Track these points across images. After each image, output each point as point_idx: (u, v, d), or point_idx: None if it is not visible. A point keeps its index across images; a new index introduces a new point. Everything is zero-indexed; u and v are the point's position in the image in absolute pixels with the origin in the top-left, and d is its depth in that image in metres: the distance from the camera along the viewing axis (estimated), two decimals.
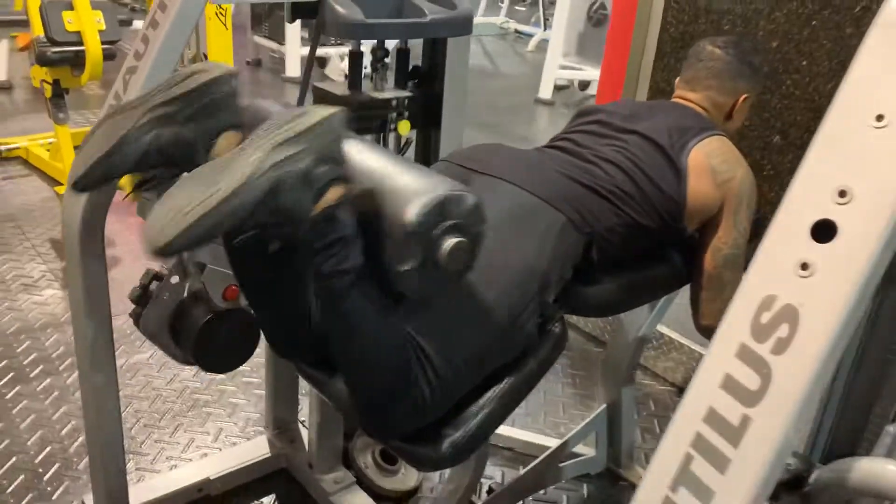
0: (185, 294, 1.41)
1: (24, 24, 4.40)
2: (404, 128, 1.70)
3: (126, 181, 1.17)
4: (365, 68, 1.71)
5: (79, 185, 1.11)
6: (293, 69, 5.62)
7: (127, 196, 1.21)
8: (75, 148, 3.53)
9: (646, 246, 1.46)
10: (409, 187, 1.02)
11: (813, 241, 0.73)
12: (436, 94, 1.75)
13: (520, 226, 1.28)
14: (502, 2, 8.68)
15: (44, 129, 4.07)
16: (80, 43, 3.04)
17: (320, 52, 5.81)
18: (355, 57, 1.67)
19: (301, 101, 1.78)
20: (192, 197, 0.92)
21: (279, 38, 5.62)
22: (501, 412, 1.27)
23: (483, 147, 1.48)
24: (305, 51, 5.68)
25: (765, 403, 0.72)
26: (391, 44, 1.68)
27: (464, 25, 1.65)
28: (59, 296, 2.63)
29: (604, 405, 1.93)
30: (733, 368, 0.74)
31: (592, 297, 1.41)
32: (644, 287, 1.49)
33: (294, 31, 5.47)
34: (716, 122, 1.58)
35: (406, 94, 1.70)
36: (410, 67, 1.76)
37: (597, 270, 1.38)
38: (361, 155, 1.09)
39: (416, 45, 1.77)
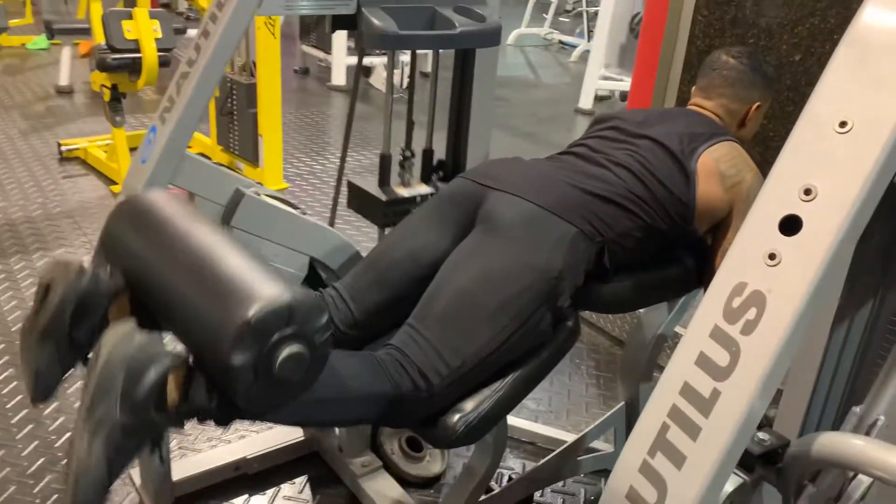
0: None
1: (87, 32, 4.67)
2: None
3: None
4: None
5: (36, 402, 1.13)
6: (339, 78, 5.79)
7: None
8: (131, 150, 3.74)
9: (659, 248, 1.53)
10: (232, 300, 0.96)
11: (780, 233, 0.81)
12: (463, 97, 1.86)
13: (532, 238, 1.36)
14: (546, 13, 8.75)
15: (100, 131, 4.29)
16: (138, 50, 3.22)
17: (366, 61, 5.98)
18: (385, 159, 1.84)
19: (351, 110, 1.91)
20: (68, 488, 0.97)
21: (326, 47, 5.79)
22: (514, 397, 1.36)
23: (499, 162, 1.56)
24: (350, 60, 5.85)
25: (733, 378, 0.80)
26: (417, 146, 1.82)
27: (492, 37, 1.75)
28: None
29: (622, 402, 2.00)
30: (706, 347, 0.82)
31: (605, 294, 1.48)
32: (655, 287, 1.57)
33: (340, 41, 5.64)
34: (729, 129, 1.65)
35: (429, 190, 1.83)
36: (435, 162, 1.89)
37: (610, 273, 1.46)
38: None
39: (440, 142, 1.89)
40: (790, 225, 0.81)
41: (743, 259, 0.83)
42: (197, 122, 1.59)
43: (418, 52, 1.79)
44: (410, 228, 1.52)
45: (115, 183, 3.68)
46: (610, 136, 1.60)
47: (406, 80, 5.85)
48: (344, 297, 1.45)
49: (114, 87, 3.41)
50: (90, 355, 1.02)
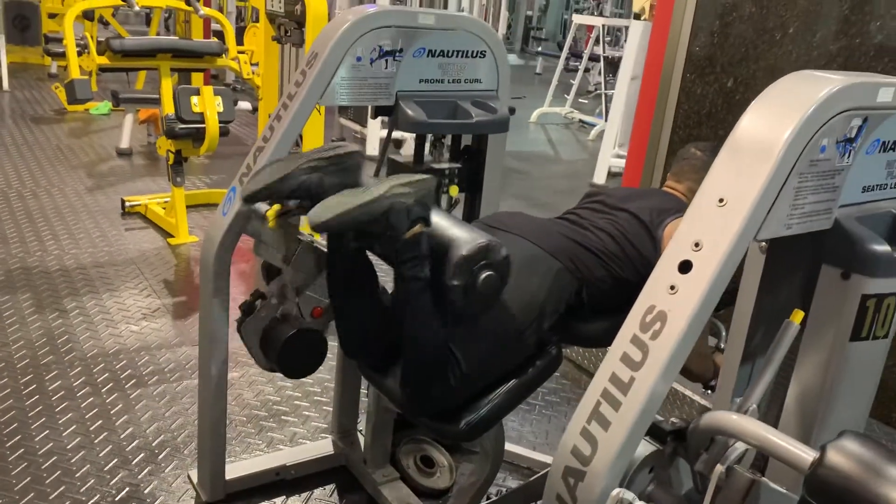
0: (278, 313, 1.93)
1: (147, 101, 5.24)
2: (454, 191, 2.25)
3: (271, 212, 1.72)
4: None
5: (249, 199, 1.73)
6: (372, 148, 6.30)
7: (272, 222, 1.75)
8: (187, 207, 4.21)
9: (629, 297, 1.91)
10: (464, 235, 1.58)
11: (678, 272, 1.20)
12: (479, 167, 2.28)
13: (527, 269, 1.77)
14: (568, 94, 9.31)
15: (156, 189, 4.81)
16: (202, 122, 3.72)
17: (397, 135, 6.49)
18: (420, 138, 2.25)
19: (377, 173, 2.36)
20: (344, 201, 1.53)
21: (362, 121, 6.34)
22: (506, 405, 1.74)
23: (507, 213, 1.99)
24: (383, 132, 6.38)
25: (644, 369, 1.17)
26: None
27: (502, 125, 2.19)
28: (170, 324, 3.21)
29: None
30: (627, 348, 1.20)
31: (583, 331, 1.88)
32: None
33: None
34: None
35: (456, 165, 2.25)
36: (462, 146, 2.32)
37: (588, 311, 1.85)
38: (436, 212, 1.67)
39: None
40: (685, 267, 1.19)
41: (654, 289, 1.22)
42: None
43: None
44: None
45: (171, 236, 4.15)
46: (596, 208, 2.01)
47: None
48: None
49: (178, 153, 3.90)
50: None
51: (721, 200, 1.20)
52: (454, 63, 2.13)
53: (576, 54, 10.87)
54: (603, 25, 8.98)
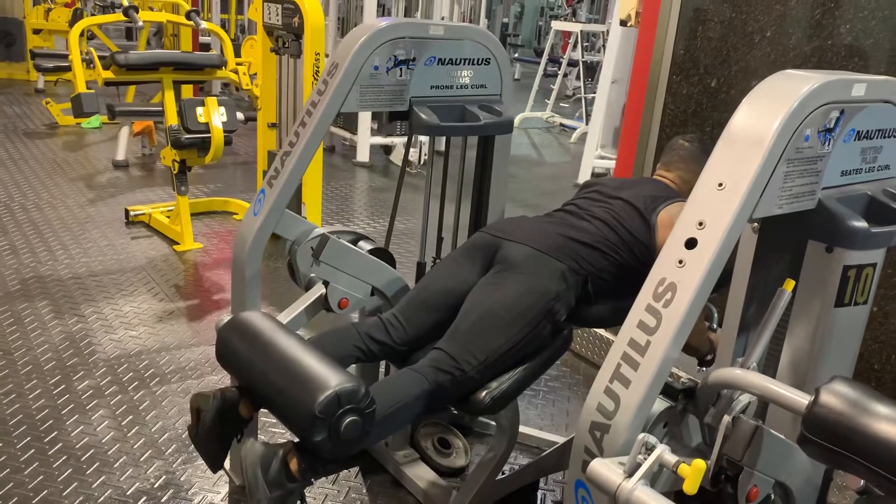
0: None
1: (142, 114, 5.37)
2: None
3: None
4: None
5: (216, 469, 1.77)
6: (363, 155, 6.46)
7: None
8: (194, 215, 4.34)
9: (631, 280, 2.08)
10: (312, 384, 1.54)
11: (685, 248, 1.37)
12: (485, 171, 2.44)
13: (535, 272, 1.93)
14: (549, 98, 9.53)
15: (155, 199, 4.95)
16: (208, 131, 3.86)
17: (386, 140, 6.67)
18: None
19: (401, 177, 2.50)
20: None
21: (352, 128, 6.49)
22: (523, 382, 1.90)
23: (508, 220, 2.16)
24: (374, 140, 6.54)
25: (658, 333, 1.34)
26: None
27: (507, 127, 2.36)
28: (185, 325, 3.34)
29: None
30: (643, 316, 1.37)
31: (592, 313, 2.04)
32: (628, 310, 2.11)
33: (365, 123, 6.33)
34: (683, 195, 2.23)
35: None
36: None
37: (595, 298, 2.02)
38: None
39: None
40: (690, 243, 1.37)
41: (664, 263, 1.39)
42: (294, 188, 2.15)
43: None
44: (446, 268, 2.10)
45: (176, 243, 4.27)
46: (593, 198, 2.19)
47: (424, 158, 6.53)
48: (399, 318, 2.01)
49: (182, 162, 4.04)
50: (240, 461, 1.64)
51: (720, 185, 1.38)
52: (462, 70, 2.30)
53: (554, 60, 11.10)
54: (581, 31, 9.21)
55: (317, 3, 3.93)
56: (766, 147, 1.36)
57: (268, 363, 1.65)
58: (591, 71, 10.22)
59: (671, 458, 1.22)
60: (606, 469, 1.25)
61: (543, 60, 9.69)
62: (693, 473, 1.19)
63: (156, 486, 2.30)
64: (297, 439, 1.62)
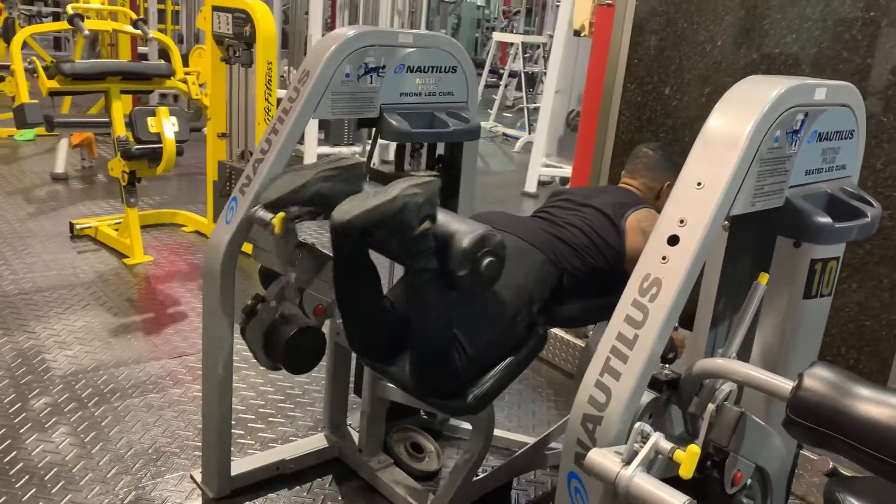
0: (279, 314, 2.08)
1: (81, 125, 5.23)
2: None
3: (277, 219, 1.87)
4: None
5: (271, 206, 1.89)
6: (309, 160, 6.43)
7: (278, 228, 1.89)
8: (142, 227, 4.25)
9: (601, 282, 2.15)
10: (463, 228, 1.77)
11: (668, 245, 1.43)
12: (454, 175, 2.48)
13: (517, 261, 1.98)
14: (491, 108, 9.65)
15: (96, 213, 4.84)
16: (159, 141, 3.79)
17: (333, 149, 6.65)
18: (400, 149, 2.44)
19: (370, 154, 2.52)
20: (360, 203, 1.70)
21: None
22: (505, 380, 1.94)
23: (491, 212, 2.20)
24: (321, 149, 6.51)
25: (645, 327, 1.40)
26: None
27: (474, 133, 2.41)
28: (142, 339, 3.27)
29: None
30: (629, 311, 1.42)
31: (563, 312, 2.10)
32: (597, 310, 2.16)
33: (312, 132, 6.30)
34: (649, 201, 2.31)
35: (434, 174, 2.44)
36: (437, 155, 2.52)
37: (567, 296, 2.08)
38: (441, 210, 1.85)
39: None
40: (673, 240, 1.43)
41: (648, 259, 1.45)
42: None
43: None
44: None
45: (126, 256, 4.18)
46: (564, 206, 2.25)
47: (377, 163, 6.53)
48: (390, 299, 2.02)
49: (132, 173, 3.95)
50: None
51: (699, 184, 1.45)
52: (430, 77, 2.34)
53: (494, 70, 11.25)
54: (521, 42, 9.37)
55: (268, 11, 3.92)
56: (741, 148, 1.43)
57: None
58: (532, 81, 10.41)
59: (666, 445, 1.27)
60: (604, 458, 1.30)
61: (485, 72, 9.81)
62: (688, 458, 1.24)
63: (126, 501, 2.25)
64: None
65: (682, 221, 1.43)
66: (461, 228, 1.78)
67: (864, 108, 1.73)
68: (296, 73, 2.16)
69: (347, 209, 1.70)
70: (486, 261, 1.75)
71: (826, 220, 1.55)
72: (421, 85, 2.33)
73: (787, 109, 1.49)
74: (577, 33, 3.60)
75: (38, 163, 6.12)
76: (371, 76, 2.21)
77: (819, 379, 1.24)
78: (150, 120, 3.75)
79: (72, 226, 4.47)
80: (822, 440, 1.22)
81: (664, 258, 1.43)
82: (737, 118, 1.47)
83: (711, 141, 1.47)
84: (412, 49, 2.27)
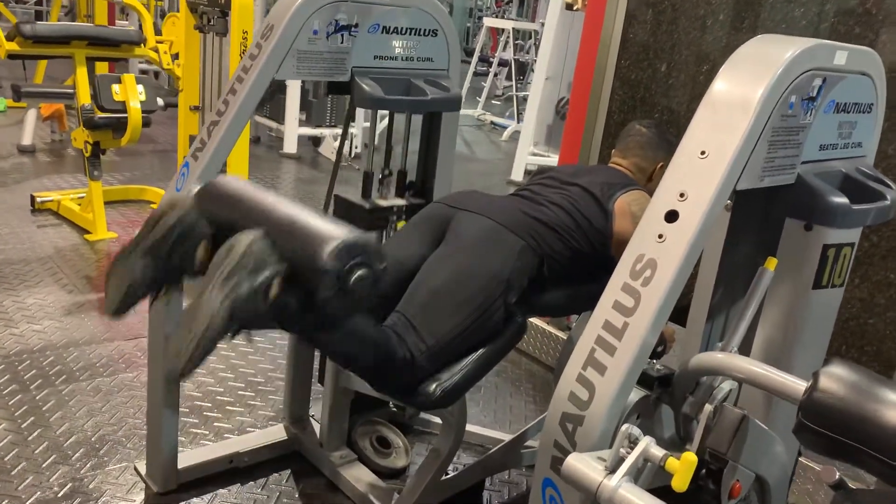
0: None
1: (51, 96, 4.99)
2: (401, 226, 2.22)
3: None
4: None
5: (116, 314, 1.49)
6: (290, 146, 6.20)
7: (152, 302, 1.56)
8: (108, 203, 4.03)
9: (585, 268, 1.97)
10: (319, 237, 1.34)
11: (665, 222, 1.25)
12: (433, 147, 2.29)
13: (491, 246, 1.80)
14: (480, 97, 9.45)
15: (65, 186, 4.60)
16: (124, 111, 3.57)
17: (315, 131, 6.44)
18: (368, 176, 2.25)
19: (328, 199, 2.29)
20: (182, 339, 1.31)
21: (279, 118, 6.23)
22: (477, 373, 1.76)
23: (464, 192, 2.02)
24: (302, 130, 6.30)
25: (636, 315, 1.22)
26: (394, 165, 2.23)
27: (454, 103, 2.22)
28: (96, 319, 3.06)
29: None
30: (619, 296, 1.24)
31: (543, 301, 1.92)
32: (580, 298, 1.98)
33: (293, 112, 6.08)
34: (640, 182, 2.13)
35: (403, 202, 2.25)
36: (407, 182, 2.31)
37: (548, 283, 1.89)
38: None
39: (412, 166, 2.33)
40: (671, 216, 1.25)
41: (642, 238, 1.26)
42: (222, 162, 1.95)
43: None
44: (397, 241, 1.94)
45: (88, 232, 3.96)
46: (548, 184, 2.06)
47: (355, 150, 6.33)
48: None
49: (96, 144, 3.73)
50: (220, 249, 1.36)
51: (703, 153, 1.26)
52: (408, 40, 2.14)
53: (484, 59, 11.04)
54: (512, 28, 9.17)
55: None
56: (751, 114, 1.25)
57: (278, 205, 1.45)
58: (522, 70, 10.21)
59: (658, 452, 1.09)
60: (585, 465, 1.12)
61: (474, 60, 9.60)
62: (683, 468, 1.06)
63: (59, 494, 2.05)
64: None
65: (682, 195, 1.25)
66: (317, 237, 1.36)
67: (885, 81, 1.56)
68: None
69: (173, 360, 1.32)
70: (357, 274, 1.35)
71: (843, 200, 1.38)
72: (398, 48, 2.13)
73: (804, 72, 1.31)
74: (569, 7, 3.41)
75: (5, 134, 5.86)
76: (342, 35, 2.01)
77: (838, 379, 1.07)
78: (115, 87, 3.54)
79: (33, 199, 4.24)
80: (839, 449, 1.05)
81: (660, 236, 1.25)
82: (748, 80, 1.29)
83: (718, 105, 1.29)
84: (389, 7, 2.07)
